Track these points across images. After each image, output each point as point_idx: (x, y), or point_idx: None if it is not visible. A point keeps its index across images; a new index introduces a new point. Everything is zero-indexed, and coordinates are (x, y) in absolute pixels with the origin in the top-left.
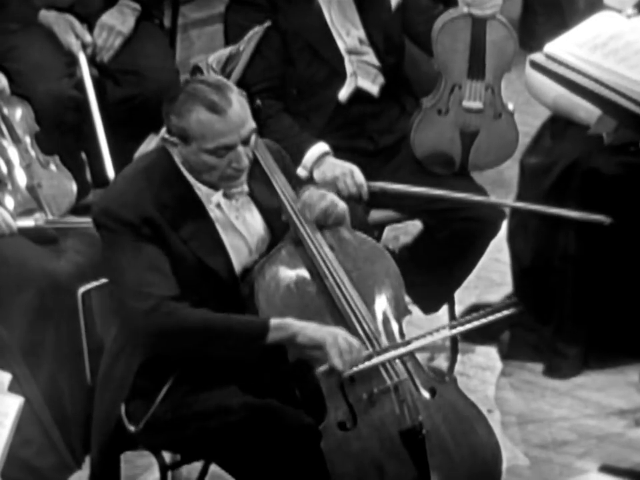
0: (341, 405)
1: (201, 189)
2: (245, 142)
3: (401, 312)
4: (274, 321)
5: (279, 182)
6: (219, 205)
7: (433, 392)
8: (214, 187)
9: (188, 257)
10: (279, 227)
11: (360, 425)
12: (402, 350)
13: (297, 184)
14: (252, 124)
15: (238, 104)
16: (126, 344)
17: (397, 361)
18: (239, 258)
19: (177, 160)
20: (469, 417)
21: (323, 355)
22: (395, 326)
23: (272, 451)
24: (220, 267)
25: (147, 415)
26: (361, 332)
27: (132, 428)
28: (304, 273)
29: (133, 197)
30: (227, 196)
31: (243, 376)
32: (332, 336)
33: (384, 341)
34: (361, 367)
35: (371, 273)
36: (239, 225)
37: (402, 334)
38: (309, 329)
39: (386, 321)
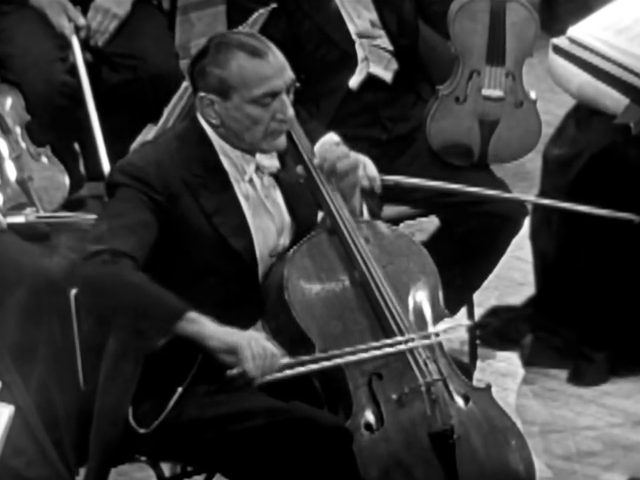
0: (368, 404)
1: (232, 158)
2: (288, 90)
3: (436, 314)
4: (192, 314)
5: (313, 166)
6: (251, 180)
7: (466, 399)
8: (252, 150)
9: (209, 234)
10: (302, 215)
11: (387, 426)
12: (425, 340)
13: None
14: (292, 72)
15: (276, 48)
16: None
17: (431, 362)
18: (265, 240)
19: (207, 128)
20: (502, 427)
21: (235, 360)
22: (429, 326)
23: (299, 458)
24: (242, 247)
25: (159, 418)
26: (394, 326)
27: (141, 430)
28: (337, 263)
29: (158, 161)
30: (259, 169)
31: None
32: (246, 340)
33: (417, 338)
34: (277, 376)
35: (406, 269)
36: (270, 205)
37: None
38: (222, 332)
39: (420, 319)
